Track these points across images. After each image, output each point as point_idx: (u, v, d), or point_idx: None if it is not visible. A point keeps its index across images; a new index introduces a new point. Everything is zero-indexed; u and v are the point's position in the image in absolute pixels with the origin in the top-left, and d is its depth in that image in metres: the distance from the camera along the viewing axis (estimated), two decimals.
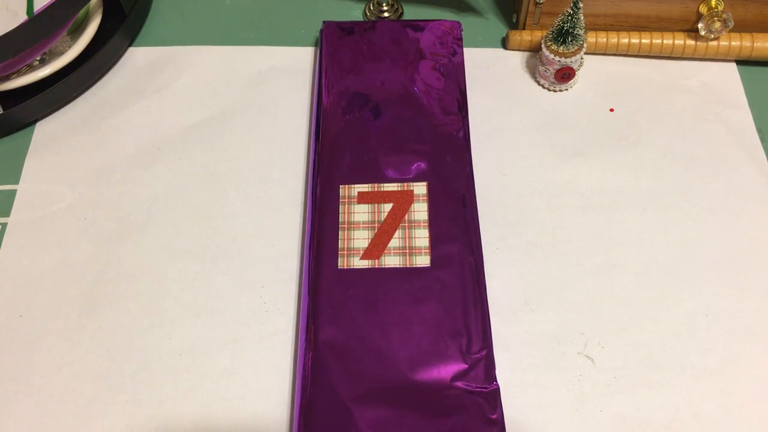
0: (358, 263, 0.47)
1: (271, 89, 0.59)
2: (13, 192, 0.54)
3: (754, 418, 0.44)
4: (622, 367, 0.46)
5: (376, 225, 0.48)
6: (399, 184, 0.50)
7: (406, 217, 0.48)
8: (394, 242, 0.47)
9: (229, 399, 0.45)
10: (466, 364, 0.43)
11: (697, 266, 0.50)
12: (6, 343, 0.47)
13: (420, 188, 0.49)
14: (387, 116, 0.53)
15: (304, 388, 0.43)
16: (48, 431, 0.44)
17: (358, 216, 0.48)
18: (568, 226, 0.52)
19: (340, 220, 0.48)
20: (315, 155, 0.51)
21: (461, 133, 0.52)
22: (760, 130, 0.56)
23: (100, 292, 0.49)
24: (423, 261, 0.47)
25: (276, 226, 0.52)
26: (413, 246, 0.47)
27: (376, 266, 0.46)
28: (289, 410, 0.45)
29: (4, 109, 0.55)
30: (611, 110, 0.57)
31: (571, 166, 0.54)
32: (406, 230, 0.48)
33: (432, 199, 0.49)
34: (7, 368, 0.46)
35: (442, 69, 0.55)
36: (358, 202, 0.49)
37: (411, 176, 0.50)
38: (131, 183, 0.54)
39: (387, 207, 0.49)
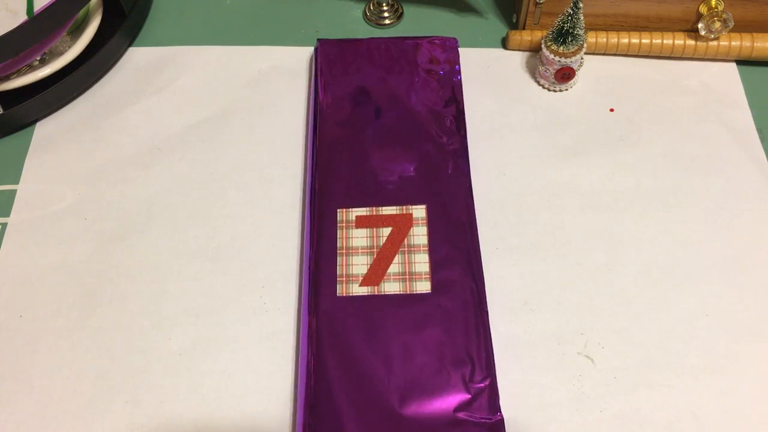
0: (358, 290, 0.46)
1: (271, 89, 0.59)
2: (13, 192, 0.54)
3: (754, 418, 0.44)
4: (622, 367, 0.46)
5: (375, 250, 0.47)
6: (398, 208, 0.48)
7: (406, 241, 0.47)
8: (394, 267, 0.46)
9: (229, 399, 0.45)
10: (470, 393, 0.42)
11: (697, 266, 0.50)
12: (6, 343, 0.47)
13: (419, 211, 0.48)
14: (383, 138, 0.52)
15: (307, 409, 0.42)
16: (48, 431, 0.44)
17: (357, 241, 0.47)
18: (568, 226, 0.52)
19: (338, 245, 0.47)
20: (312, 178, 0.50)
21: (460, 153, 0.51)
22: (760, 130, 0.56)
23: (100, 292, 0.49)
24: (423, 287, 0.46)
25: (276, 226, 0.52)
26: (413, 271, 0.46)
27: (376, 293, 0.45)
28: (289, 410, 0.45)
29: (4, 109, 0.55)
30: (611, 110, 0.57)
31: (571, 166, 0.54)
32: (406, 255, 0.47)
33: (431, 222, 0.48)
34: (7, 368, 0.46)
35: (439, 87, 0.54)
36: (356, 227, 0.48)
37: (409, 199, 0.49)
38: (131, 183, 0.54)
39: (386, 231, 0.48)
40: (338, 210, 0.49)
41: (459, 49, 0.57)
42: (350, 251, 0.47)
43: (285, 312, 0.48)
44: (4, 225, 0.52)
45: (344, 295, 0.46)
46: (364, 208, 0.49)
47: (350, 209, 0.49)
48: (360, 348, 0.44)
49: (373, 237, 0.48)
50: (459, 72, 0.55)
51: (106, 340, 0.47)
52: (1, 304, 0.49)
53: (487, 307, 0.45)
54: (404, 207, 0.48)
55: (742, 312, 0.48)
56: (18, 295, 0.49)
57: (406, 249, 0.47)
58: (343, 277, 0.46)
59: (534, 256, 0.50)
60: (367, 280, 0.46)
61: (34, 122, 0.58)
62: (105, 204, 0.53)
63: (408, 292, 0.45)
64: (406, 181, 0.50)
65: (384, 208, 0.49)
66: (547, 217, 0.52)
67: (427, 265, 0.46)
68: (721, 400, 0.45)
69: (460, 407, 0.42)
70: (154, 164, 0.55)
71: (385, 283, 0.46)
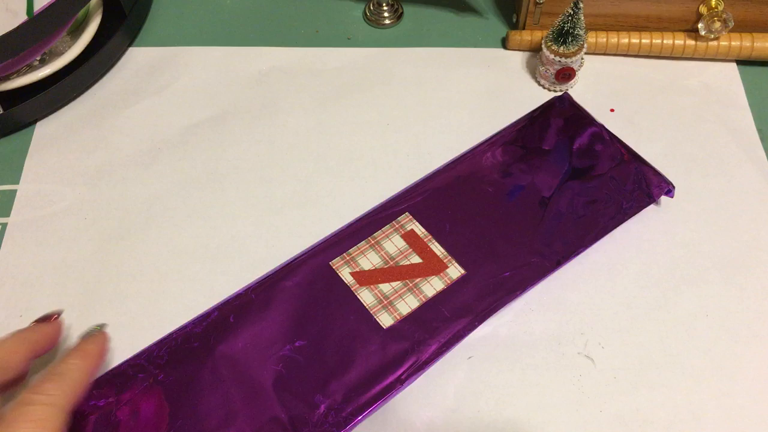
0: (344, 275, 0.46)
1: (271, 89, 0.59)
2: (13, 192, 0.54)
3: (754, 418, 0.44)
4: (622, 367, 0.46)
5: (392, 263, 0.47)
6: (444, 252, 0.47)
7: (418, 281, 0.46)
8: (386, 287, 0.46)
9: None
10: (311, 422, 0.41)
11: (697, 266, 0.50)
12: None
13: (455, 271, 0.46)
14: (505, 206, 0.49)
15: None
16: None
17: (389, 246, 0.47)
18: None
19: (374, 233, 0.48)
20: (433, 175, 0.50)
21: (542, 270, 0.47)
22: (760, 130, 0.56)
23: (100, 292, 0.49)
24: (386, 320, 0.44)
25: (276, 226, 0.52)
26: (393, 304, 0.45)
27: (352, 289, 0.46)
28: None
29: (4, 109, 0.55)
30: (611, 110, 0.57)
31: None
32: (404, 288, 0.46)
33: (453, 287, 0.46)
34: None
35: (604, 212, 0.49)
36: (402, 236, 0.48)
37: (460, 255, 0.47)
38: (131, 183, 0.54)
39: (416, 259, 0.47)
40: (406, 213, 0.49)
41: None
42: (376, 247, 0.47)
43: None
44: (4, 225, 0.52)
45: (333, 266, 0.47)
46: (423, 229, 0.48)
47: (414, 220, 0.48)
48: (294, 308, 0.45)
49: (403, 254, 0.47)
50: (638, 211, 0.49)
51: None
52: (1, 304, 0.49)
53: (390, 397, 0.42)
54: (449, 257, 0.47)
55: (742, 312, 0.48)
56: (18, 295, 0.49)
57: (410, 285, 0.46)
58: (348, 256, 0.47)
59: None
60: (359, 276, 0.46)
61: (34, 122, 0.58)
62: (105, 204, 0.53)
63: (371, 312, 0.45)
64: (475, 244, 0.47)
65: (436, 243, 0.48)
66: None
67: (409, 310, 0.45)
68: (721, 400, 0.45)
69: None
70: (154, 164, 0.55)
71: (365, 290, 0.46)
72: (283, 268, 0.47)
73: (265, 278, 0.47)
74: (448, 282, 0.46)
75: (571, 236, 0.48)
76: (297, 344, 0.44)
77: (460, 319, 0.45)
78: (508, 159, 0.52)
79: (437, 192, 0.50)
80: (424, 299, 0.45)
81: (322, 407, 0.41)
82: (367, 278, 0.46)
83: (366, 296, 0.46)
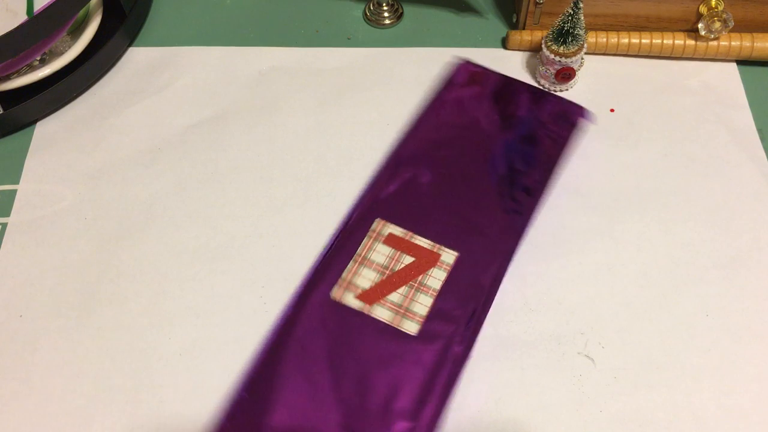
0: (351, 301, 0.45)
1: (271, 89, 0.59)
2: (13, 192, 0.54)
3: (754, 418, 0.44)
4: (622, 367, 0.46)
5: (388, 272, 0.46)
6: (431, 243, 0.47)
7: (420, 278, 0.46)
8: (395, 296, 0.45)
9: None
10: None
11: (697, 266, 0.50)
12: (6, 343, 0.47)
13: (449, 256, 0.46)
14: (461, 174, 0.50)
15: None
16: (48, 431, 0.44)
17: (377, 256, 0.46)
18: (568, 226, 0.52)
19: (358, 251, 0.46)
20: (375, 181, 0.50)
21: (522, 223, 0.48)
22: (760, 130, 0.56)
23: (100, 292, 0.49)
24: (411, 327, 0.44)
25: (276, 226, 0.52)
26: (410, 308, 0.44)
27: (365, 312, 0.44)
28: None
29: (4, 109, 0.55)
30: (611, 110, 0.57)
31: (571, 166, 0.54)
32: (412, 290, 0.45)
33: (454, 272, 0.46)
34: (7, 368, 0.46)
35: (537, 154, 0.51)
36: (384, 243, 0.47)
37: (445, 240, 0.47)
38: (131, 183, 0.54)
39: (408, 259, 0.46)
40: (377, 219, 0.48)
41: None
42: (366, 262, 0.46)
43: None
44: (4, 225, 0.52)
45: (336, 299, 0.45)
46: (401, 229, 0.48)
47: (388, 224, 0.48)
48: (319, 355, 0.43)
49: (394, 259, 0.46)
50: (570, 146, 0.52)
51: (106, 340, 0.47)
52: (1, 304, 0.49)
53: (460, 377, 0.43)
54: (437, 246, 0.47)
55: (742, 312, 0.48)
56: (18, 295, 0.49)
57: (416, 285, 0.46)
58: (345, 282, 0.46)
59: (534, 256, 0.50)
60: (364, 296, 0.45)
61: (34, 122, 0.58)
62: (105, 204, 0.53)
63: (394, 325, 0.44)
64: (453, 224, 0.48)
65: (419, 237, 0.47)
66: (547, 217, 0.52)
67: (427, 309, 0.44)
68: (721, 400, 0.45)
69: None
70: (154, 164, 0.55)
71: (378, 307, 0.45)
72: (286, 320, 0.44)
73: (274, 338, 0.44)
74: (448, 268, 0.46)
75: (528, 184, 0.49)
76: (344, 388, 0.42)
77: (477, 295, 0.45)
78: (440, 137, 0.52)
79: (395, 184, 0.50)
80: (434, 293, 0.45)
81: None
82: (373, 296, 0.45)
83: (381, 313, 0.45)
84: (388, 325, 0.44)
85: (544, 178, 0.50)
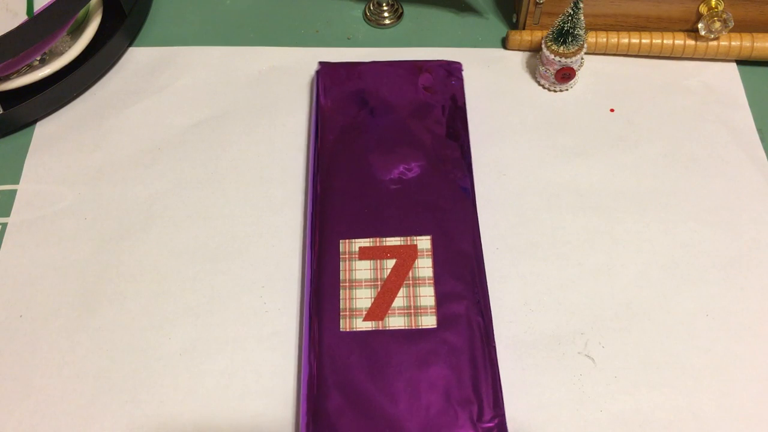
0: (361, 325, 0.44)
1: (271, 89, 0.59)
2: (13, 192, 0.54)
3: (754, 418, 0.44)
4: (622, 367, 0.46)
5: (379, 283, 0.46)
6: (402, 238, 0.47)
7: (411, 273, 0.46)
8: (399, 301, 0.45)
9: (229, 399, 0.45)
10: None
11: (697, 266, 0.50)
12: (6, 343, 0.47)
13: (424, 242, 0.47)
14: (388, 166, 0.51)
15: None
16: (48, 431, 0.44)
17: (360, 273, 0.46)
18: (568, 226, 0.52)
19: (341, 277, 0.46)
20: (312, 207, 0.49)
21: (466, 183, 0.50)
22: (760, 130, 0.56)
23: (100, 292, 0.49)
24: (429, 321, 0.44)
25: (276, 226, 0.52)
26: (418, 305, 0.45)
27: (380, 328, 0.44)
28: (290, 410, 0.45)
29: (4, 109, 0.55)
30: (611, 110, 0.57)
31: (571, 167, 0.54)
32: (411, 288, 0.46)
33: (437, 254, 0.47)
34: (7, 368, 0.46)
35: (443, 114, 0.53)
36: (360, 258, 0.47)
37: (414, 229, 0.47)
38: (131, 183, 0.54)
39: (390, 263, 0.46)
40: (341, 241, 0.47)
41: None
42: (354, 284, 0.46)
43: (285, 312, 0.48)
44: (4, 225, 0.52)
45: (347, 330, 0.44)
46: (368, 239, 0.47)
47: (353, 240, 0.47)
48: (364, 386, 0.42)
49: (377, 269, 0.46)
50: (463, 97, 0.54)
51: (106, 340, 0.47)
52: (1, 304, 0.49)
53: (494, 342, 0.44)
54: (409, 238, 0.47)
55: (742, 312, 0.48)
56: (18, 295, 0.49)
57: (411, 282, 0.46)
58: (346, 311, 0.45)
59: (534, 256, 0.50)
60: (371, 315, 0.45)
61: (34, 122, 0.58)
62: (105, 204, 0.53)
63: (413, 327, 0.44)
64: (412, 212, 0.48)
65: (388, 238, 0.47)
66: (547, 217, 0.52)
67: (433, 298, 0.45)
68: (721, 400, 0.45)
69: None
70: (154, 164, 0.55)
71: (390, 318, 0.45)
72: (310, 375, 0.43)
73: (307, 393, 0.43)
74: (429, 253, 0.47)
75: (455, 138, 0.52)
76: (400, 405, 0.42)
77: (467, 263, 0.46)
78: (348, 137, 0.52)
79: (334, 202, 0.49)
80: (431, 281, 0.46)
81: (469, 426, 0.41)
82: (378, 311, 0.45)
83: (395, 322, 0.45)
84: (407, 329, 0.44)
85: (461, 127, 0.52)
